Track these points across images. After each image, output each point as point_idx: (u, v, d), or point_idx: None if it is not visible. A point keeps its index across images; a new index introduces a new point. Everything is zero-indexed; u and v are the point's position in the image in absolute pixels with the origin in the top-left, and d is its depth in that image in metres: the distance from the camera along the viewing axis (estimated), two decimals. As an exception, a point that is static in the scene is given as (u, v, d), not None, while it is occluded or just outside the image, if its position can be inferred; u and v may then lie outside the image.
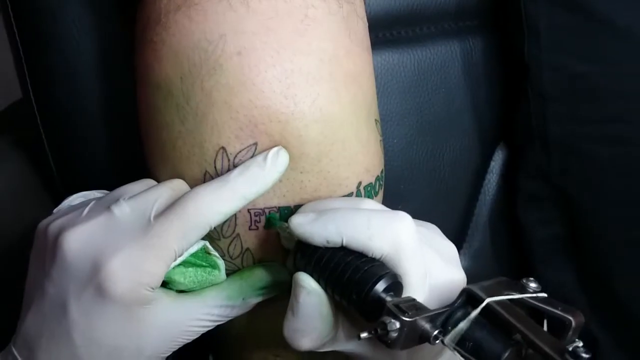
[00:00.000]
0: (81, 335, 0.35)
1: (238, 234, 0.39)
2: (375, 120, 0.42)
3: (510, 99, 0.59)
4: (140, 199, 0.37)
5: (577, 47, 0.52)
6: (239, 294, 0.38)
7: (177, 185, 0.38)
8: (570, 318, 0.31)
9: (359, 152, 0.40)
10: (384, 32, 0.56)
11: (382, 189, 0.43)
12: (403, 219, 0.35)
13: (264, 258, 0.40)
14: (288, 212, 0.39)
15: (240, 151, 0.37)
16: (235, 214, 0.38)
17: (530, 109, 0.56)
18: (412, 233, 0.35)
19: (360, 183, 0.40)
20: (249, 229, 0.39)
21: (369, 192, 0.41)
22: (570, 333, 0.31)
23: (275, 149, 0.37)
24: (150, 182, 0.40)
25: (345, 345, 0.36)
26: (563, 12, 0.52)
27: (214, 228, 0.38)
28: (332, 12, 0.39)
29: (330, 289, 0.35)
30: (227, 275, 0.40)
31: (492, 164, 0.62)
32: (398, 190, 0.57)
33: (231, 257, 0.40)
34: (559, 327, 0.31)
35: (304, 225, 0.35)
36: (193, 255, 0.38)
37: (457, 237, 0.62)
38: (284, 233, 0.38)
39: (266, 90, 0.37)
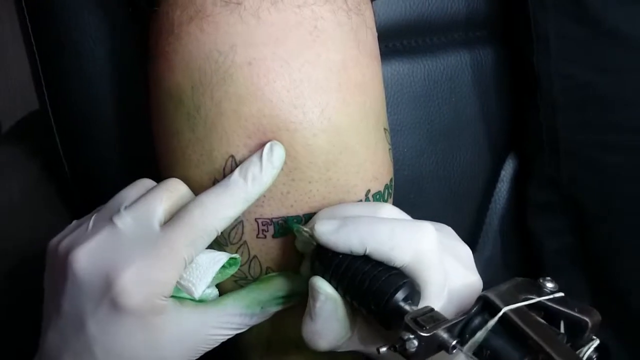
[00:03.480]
0: (102, 349, 0.36)
1: (245, 242, 0.40)
2: (384, 129, 0.43)
3: (520, 108, 0.60)
4: (140, 207, 0.37)
5: (586, 57, 0.52)
6: (258, 303, 0.39)
7: (172, 186, 0.38)
8: (587, 319, 0.31)
9: (368, 161, 0.40)
10: (394, 42, 0.56)
11: (392, 198, 0.44)
12: (426, 230, 0.35)
13: (271, 265, 0.40)
14: (298, 221, 0.39)
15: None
16: (242, 223, 0.39)
17: (540, 118, 0.56)
18: (434, 244, 0.35)
19: (369, 191, 0.41)
20: (257, 237, 0.39)
21: (377, 200, 0.41)
22: (587, 333, 0.31)
23: (268, 144, 0.37)
24: (145, 182, 0.40)
25: (363, 347, 0.37)
26: (572, 22, 0.52)
27: (222, 234, 0.39)
28: (341, 24, 0.39)
29: (349, 296, 0.35)
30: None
31: (503, 173, 0.62)
32: (408, 199, 0.58)
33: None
34: (576, 327, 0.32)
35: (328, 234, 0.35)
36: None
37: (468, 245, 0.62)
38: (303, 237, 0.38)
39: (275, 99, 0.37)
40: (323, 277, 0.36)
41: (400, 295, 0.33)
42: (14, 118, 0.67)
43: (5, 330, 0.51)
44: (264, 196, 0.38)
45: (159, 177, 0.42)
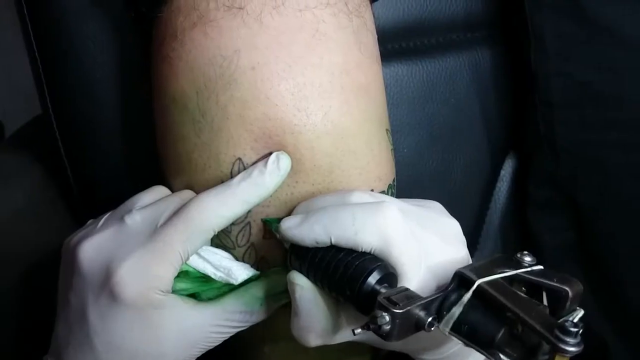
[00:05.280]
0: (100, 340, 0.36)
1: (252, 244, 0.40)
2: (386, 129, 0.43)
3: (519, 107, 0.60)
4: (151, 208, 0.38)
5: (583, 55, 0.53)
6: (257, 300, 0.39)
7: (186, 196, 0.39)
8: (567, 288, 0.31)
9: (371, 162, 0.41)
10: (393, 44, 0.57)
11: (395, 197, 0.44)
12: (387, 208, 0.35)
13: (280, 265, 0.41)
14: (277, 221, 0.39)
15: (255, 161, 0.38)
16: (250, 224, 0.39)
17: (538, 117, 0.56)
18: (398, 221, 0.34)
19: (372, 191, 0.41)
20: (263, 238, 0.40)
21: None
22: (569, 303, 0.31)
23: (275, 153, 0.38)
24: (161, 189, 0.41)
25: (353, 336, 0.36)
26: (568, 21, 0.52)
27: (229, 238, 0.39)
28: (342, 27, 0.40)
29: (327, 287, 0.35)
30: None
31: (503, 172, 0.63)
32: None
33: None
34: (557, 298, 0.31)
35: (292, 229, 0.36)
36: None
37: (469, 244, 0.61)
38: (279, 236, 0.38)
39: (279, 103, 0.38)
40: (300, 271, 0.36)
41: (373, 278, 0.33)
42: (18, 123, 0.67)
43: (11, 332, 0.52)
44: (270, 197, 0.39)
45: (163, 182, 0.43)
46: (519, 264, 0.33)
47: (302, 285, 0.36)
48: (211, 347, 0.39)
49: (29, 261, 0.53)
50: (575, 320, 0.28)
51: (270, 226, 0.39)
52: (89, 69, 0.52)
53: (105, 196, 0.42)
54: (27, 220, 0.56)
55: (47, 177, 0.59)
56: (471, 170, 0.61)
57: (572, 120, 0.55)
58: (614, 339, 0.56)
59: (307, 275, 0.36)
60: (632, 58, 0.51)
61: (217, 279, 0.39)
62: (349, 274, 0.34)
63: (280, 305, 0.40)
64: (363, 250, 0.34)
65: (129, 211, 0.38)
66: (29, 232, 0.55)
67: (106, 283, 0.36)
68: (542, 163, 0.58)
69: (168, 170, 0.43)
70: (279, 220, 0.38)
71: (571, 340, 0.28)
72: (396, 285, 0.34)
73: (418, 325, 0.31)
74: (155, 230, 0.37)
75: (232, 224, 0.39)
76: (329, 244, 0.35)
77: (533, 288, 0.32)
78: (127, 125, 0.53)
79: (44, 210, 0.58)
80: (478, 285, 0.31)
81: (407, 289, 0.33)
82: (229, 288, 0.39)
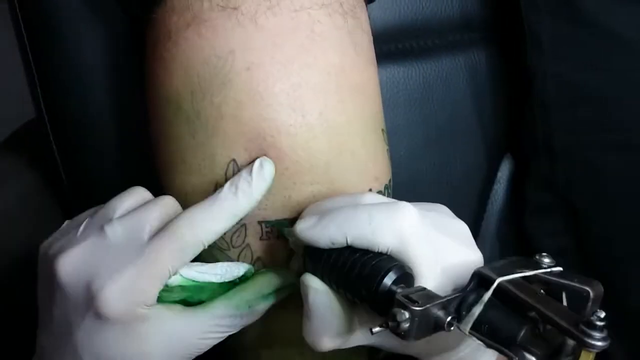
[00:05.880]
0: (89, 353, 0.36)
1: (248, 244, 0.40)
2: (382, 129, 0.43)
3: (516, 109, 0.60)
4: (132, 218, 0.37)
5: (580, 57, 0.53)
6: (245, 302, 0.38)
7: (167, 203, 0.38)
8: (588, 289, 0.30)
9: (368, 161, 0.41)
10: (389, 45, 0.57)
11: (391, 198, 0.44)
12: (405, 209, 0.34)
13: (277, 266, 0.40)
14: (286, 223, 0.39)
15: (249, 163, 0.38)
16: (245, 226, 0.39)
17: (535, 119, 0.56)
18: (415, 222, 0.34)
19: (370, 190, 0.41)
20: (260, 239, 0.40)
21: None
22: (590, 304, 0.30)
23: (258, 160, 0.37)
24: (140, 192, 0.40)
25: (366, 340, 0.36)
26: (565, 22, 0.52)
27: (223, 239, 0.39)
28: (338, 27, 0.40)
29: (342, 288, 0.35)
30: None
31: (499, 174, 0.63)
32: (405, 200, 0.58)
33: None
34: (578, 298, 0.30)
35: (308, 230, 0.35)
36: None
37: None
38: (292, 239, 0.38)
39: (274, 103, 0.38)
40: (314, 273, 0.36)
41: (389, 278, 0.32)
42: (11, 128, 0.67)
43: (2, 335, 0.51)
44: (267, 199, 0.38)
45: (158, 183, 0.42)
46: (537, 265, 0.32)
47: (316, 288, 0.35)
48: (200, 353, 0.38)
49: (21, 264, 0.53)
50: (601, 316, 0.28)
51: (280, 230, 0.39)
52: (83, 72, 0.52)
53: (100, 199, 0.41)
54: (20, 222, 0.56)
55: (41, 180, 0.59)
56: (468, 173, 0.60)
57: (568, 122, 0.55)
58: (613, 340, 0.55)
59: (322, 278, 0.35)
60: (628, 60, 0.51)
61: (219, 281, 0.38)
62: (365, 274, 0.33)
63: (270, 306, 0.39)
64: (379, 251, 0.34)
65: (109, 220, 0.37)
66: (21, 234, 0.55)
67: (90, 303, 0.35)
68: (538, 166, 0.58)
69: (162, 171, 0.42)
70: (286, 221, 0.38)
71: (598, 335, 0.27)
72: (413, 286, 0.34)
73: (437, 325, 0.31)
74: (143, 247, 0.35)
75: None
76: (344, 245, 0.34)
77: (552, 290, 0.32)
78: (121, 127, 0.53)
79: (37, 214, 0.58)
80: (498, 284, 0.31)
81: (424, 289, 0.32)
82: (225, 288, 0.39)
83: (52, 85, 0.53)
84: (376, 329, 0.31)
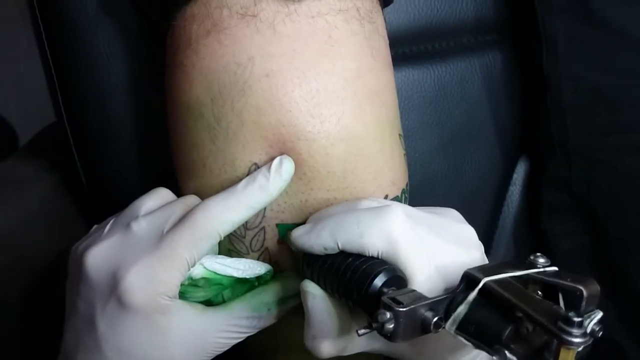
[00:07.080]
0: (110, 346, 0.36)
1: (267, 248, 0.40)
2: (399, 134, 0.43)
3: (531, 111, 0.60)
4: (156, 214, 0.38)
5: (595, 59, 0.52)
6: (264, 305, 0.39)
7: (190, 201, 0.39)
8: (581, 288, 0.29)
9: (385, 167, 0.41)
10: (404, 48, 0.57)
11: (407, 202, 0.44)
12: (391, 211, 0.35)
13: (291, 269, 0.41)
14: (290, 228, 0.39)
15: None
16: (264, 229, 0.40)
17: (550, 121, 0.56)
18: (403, 224, 0.34)
19: (386, 196, 0.41)
20: (278, 243, 0.40)
21: None
22: (584, 303, 0.29)
23: (278, 158, 0.38)
24: (164, 192, 0.41)
25: (367, 345, 0.37)
26: (580, 24, 0.52)
27: (242, 243, 0.39)
28: (355, 32, 0.40)
29: (337, 292, 0.35)
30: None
31: (515, 176, 0.62)
32: (420, 203, 0.58)
33: None
34: (573, 298, 0.30)
35: (302, 237, 0.37)
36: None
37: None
38: (292, 246, 0.38)
39: (293, 109, 0.38)
40: (312, 279, 0.37)
41: (379, 280, 0.33)
42: (31, 132, 0.67)
43: (23, 338, 0.52)
44: (285, 202, 0.39)
45: (177, 188, 0.43)
46: (532, 266, 0.32)
47: (314, 294, 0.36)
48: (220, 352, 0.39)
49: (42, 267, 0.54)
50: (594, 325, 0.28)
51: (281, 234, 0.39)
52: (103, 78, 0.52)
53: (119, 203, 0.42)
54: (40, 226, 0.57)
55: (61, 183, 0.60)
56: (483, 175, 0.60)
57: (584, 124, 0.54)
58: (630, 344, 0.55)
59: (319, 283, 0.36)
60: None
61: (240, 276, 0.39)
62: (356, 278, 0.34)
63: (288, 309, 0.40)
64: (370, 255, 0.35)
65: (135, 217, 0.38)
66: (42, 238, 0.56)
67: (114, 290, 0.36)
68: (554, 167, 0.58)
69: (182, 177, 0.43)
70: (290, 227, 0.39)
71: (575, 331, 0.26)
72: (404, 289, 0.34)
73: (424, 326, 0.31)
74: (162, 237, 0.37)
75: (247, 228, 0.40)
76: (336, 250, 0.35)
77: (549, 290, 0.32)
78: (141, 133, 0.53)
79: (57, 217, 0.59)
80: (485, 284, 0.30)
81: (414, 291, 0.33)
82: (247, 288, 0.39)
83: (72, 90, 0.53)
84: (362, 331, 0.32)
